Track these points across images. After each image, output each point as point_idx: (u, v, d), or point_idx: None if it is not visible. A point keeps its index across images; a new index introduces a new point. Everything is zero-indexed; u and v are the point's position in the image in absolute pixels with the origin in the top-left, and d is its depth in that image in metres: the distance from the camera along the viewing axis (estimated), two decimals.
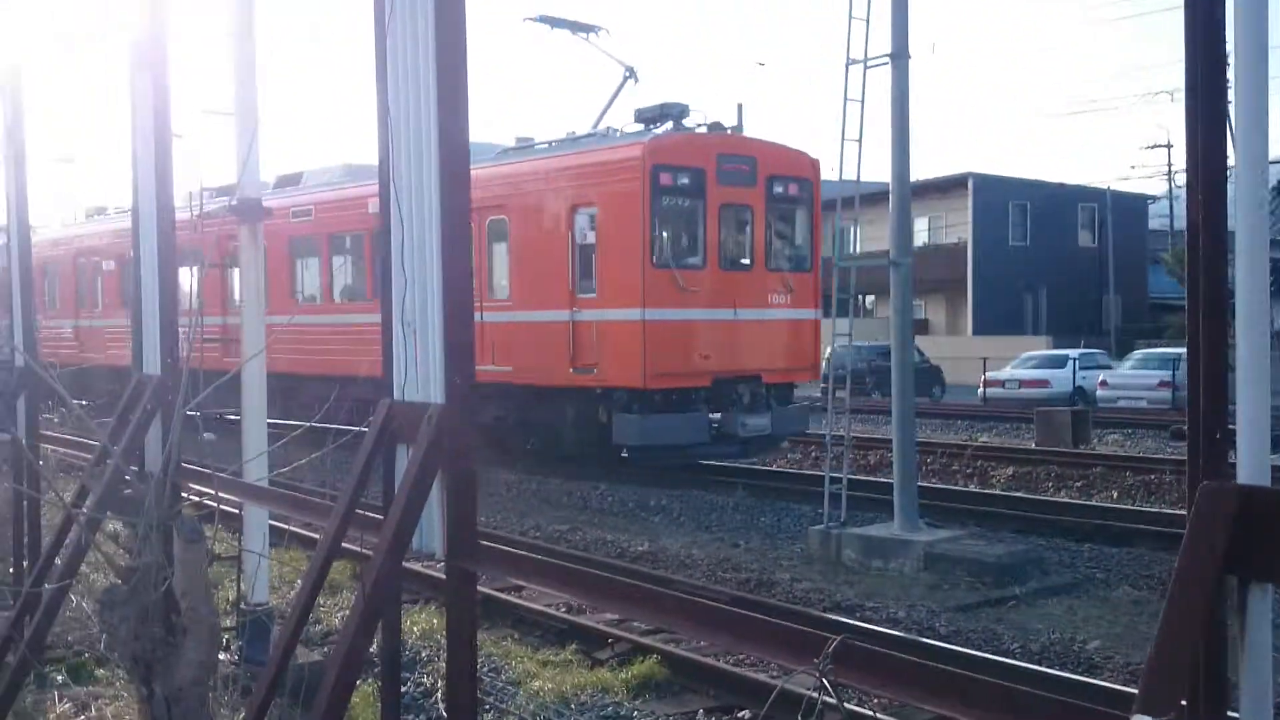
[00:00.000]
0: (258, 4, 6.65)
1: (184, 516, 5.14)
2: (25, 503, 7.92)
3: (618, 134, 16.43)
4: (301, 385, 17.75)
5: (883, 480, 14.76)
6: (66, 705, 6.10)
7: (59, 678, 6.60)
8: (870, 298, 47.66)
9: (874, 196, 17.97)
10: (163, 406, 5.42)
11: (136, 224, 5.73)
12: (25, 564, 7.94)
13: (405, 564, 3.90)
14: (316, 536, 11.45)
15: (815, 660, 2.40)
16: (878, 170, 14.21)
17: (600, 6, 44.37)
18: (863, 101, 11.49)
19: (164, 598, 5.27)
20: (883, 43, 11.33)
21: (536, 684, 7.45)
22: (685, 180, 15.35)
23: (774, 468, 18.42)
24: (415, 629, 8.43)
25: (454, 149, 3.30)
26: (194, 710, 4.97)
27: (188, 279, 13.73)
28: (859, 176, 11.65)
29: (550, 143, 17.64)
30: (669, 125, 15.91)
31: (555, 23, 17.24)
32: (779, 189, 16.37)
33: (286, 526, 11.62)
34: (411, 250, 3.49)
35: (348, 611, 8.74)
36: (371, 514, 3.97)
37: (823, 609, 9.38)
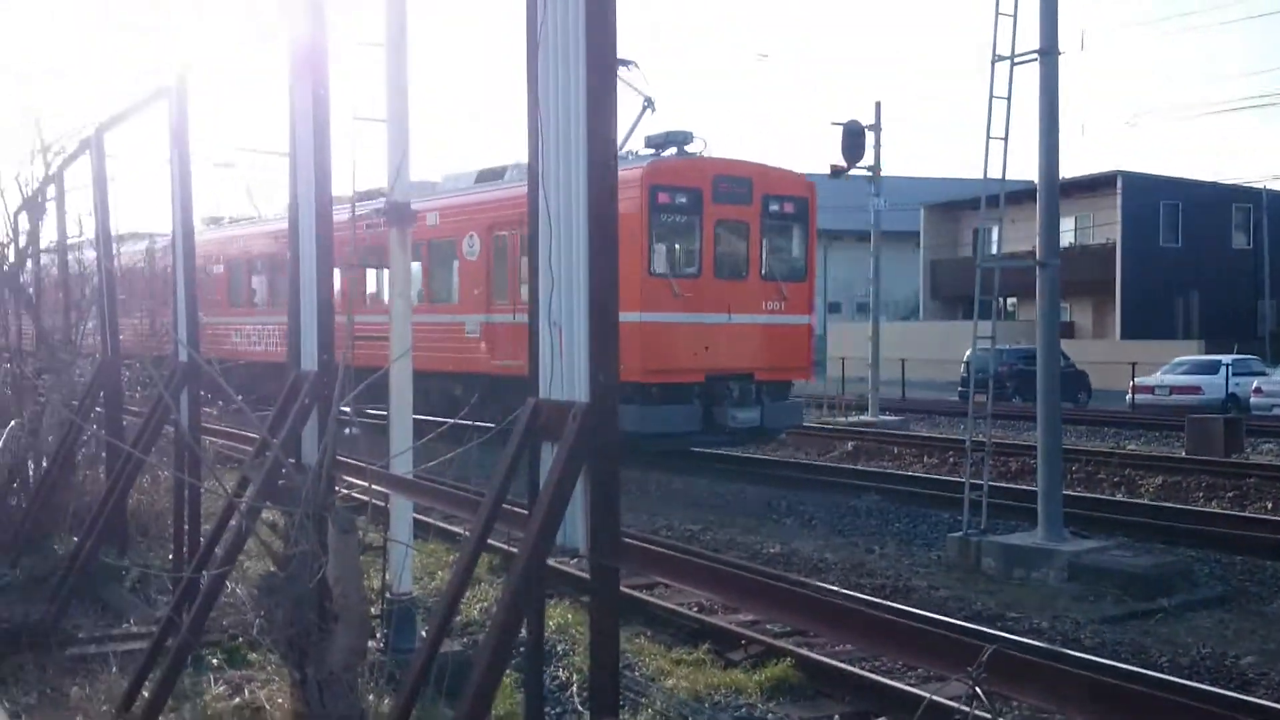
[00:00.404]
0: (409, 15, 6.88)
1: (338, 507, 5.35)
2: (187, 492, 8.31)
3: (631, 157, 17.76)
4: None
5: (1025, 488, 14.39)
6: (222, 687, 6.31)
7: (215, 661, 6.84)
8: (1012, 300, 46.45)
9: (1017, 195, 17.63)
10: (319, 402, 5.64)
11: (295, 227, 5.98)
12: (185, 550, 8.35)
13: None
14: (457, 530, 11.82)
15: (968, 669, 2.36)
16: (1020, 168, 13.89)
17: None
18: (1009, 99, 11.22)
19: (318, 585, 5.49)
20: (1030, 38, 11.07)
21: (670, 682, 7.49)
22: (682, 199, 16.89)
23: (910, 472, 18.13)
24: (550, 623, 8.56)
25: (602, 154, 3.36)
26: (344, 695, 5.17)
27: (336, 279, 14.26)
28: (1004, 175, 11.38)
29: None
30: (673, 150, 17.52)
31: None
32: (775, 207, 17.85)
33: (429, 520, 11.99)
34: (559, 252, 3.57)
35: (486, 604, 9.01)
36: (516, 509, 4.07)
37: (962, 618, 9.20)
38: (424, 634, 7.60)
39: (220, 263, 27.64)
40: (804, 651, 7.94)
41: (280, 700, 5.92)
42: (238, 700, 6.02)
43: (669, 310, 16.57)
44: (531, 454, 3.78)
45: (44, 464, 11.07)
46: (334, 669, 5.13)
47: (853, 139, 25.32)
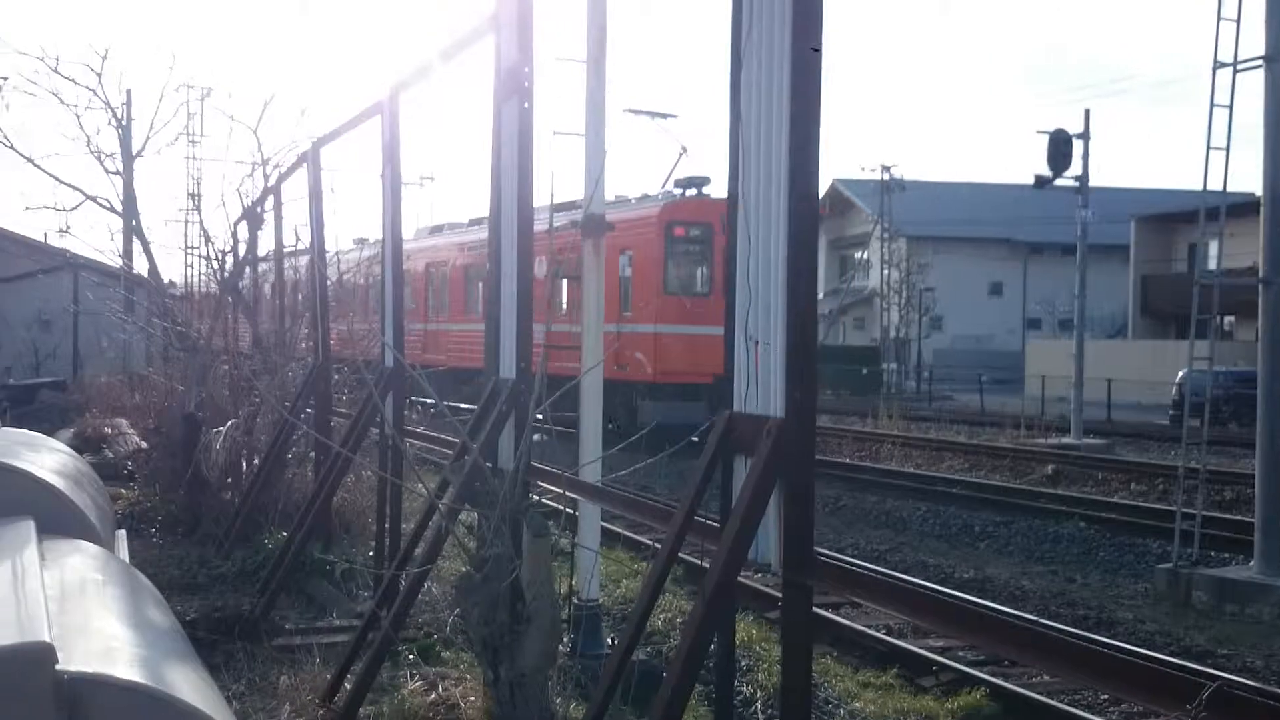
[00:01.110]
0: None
1: (533, 512, 5.46)
2: (390, 491, 8.64)
3: (661, 195, 22.21)
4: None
5: (1240, 519, 13.49)
6: (418, 683, 6.48)
7: (410, 656, 7.06)
8: (1230, 319, 43.69)
9: (1238, 208, 16.61)
10: (516, 408, 5.77)
11: (496, 239, 6.14)
12: (386, 547, 8.68)
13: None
14: (640, 539, 11.91)
15: (1187, 707, 2.22)
16: (1241, 179, 13.12)
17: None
18: (1231, 107, 10.58)
19: (511, 587, 5.62)
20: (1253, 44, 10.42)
21: (857, 705, 7.34)
22: (695, 232, 21.02)
23: (1115, 499, 17.27)
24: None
25: (804, 170, 3.32)
26: (535, 696, 5.27)
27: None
28: (1225, 187, 10.74)
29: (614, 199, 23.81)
30: (694, 190, 21.30)
31: (639, 112, 22.19)
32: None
33: (613, 528, 12.13)
34: (757, 266, 3.55)
35: (669, 614, 9.03)
36: (707, 520, 4.06)
37: (1169, 653, 8.69)
38: (610, 640, 7.72)
39: (459, 269, 29.17)
40: (999, 681, 7.66)
41: (473, 699, 6.07)
42: (433, 696, 6.18)
43: (680, 323, 20.62)
44: (724, 467, 3.77)
45: (256, 461, 11.75)
46: (525, 670, 5.23)
47: (1059, 148, 24.34)
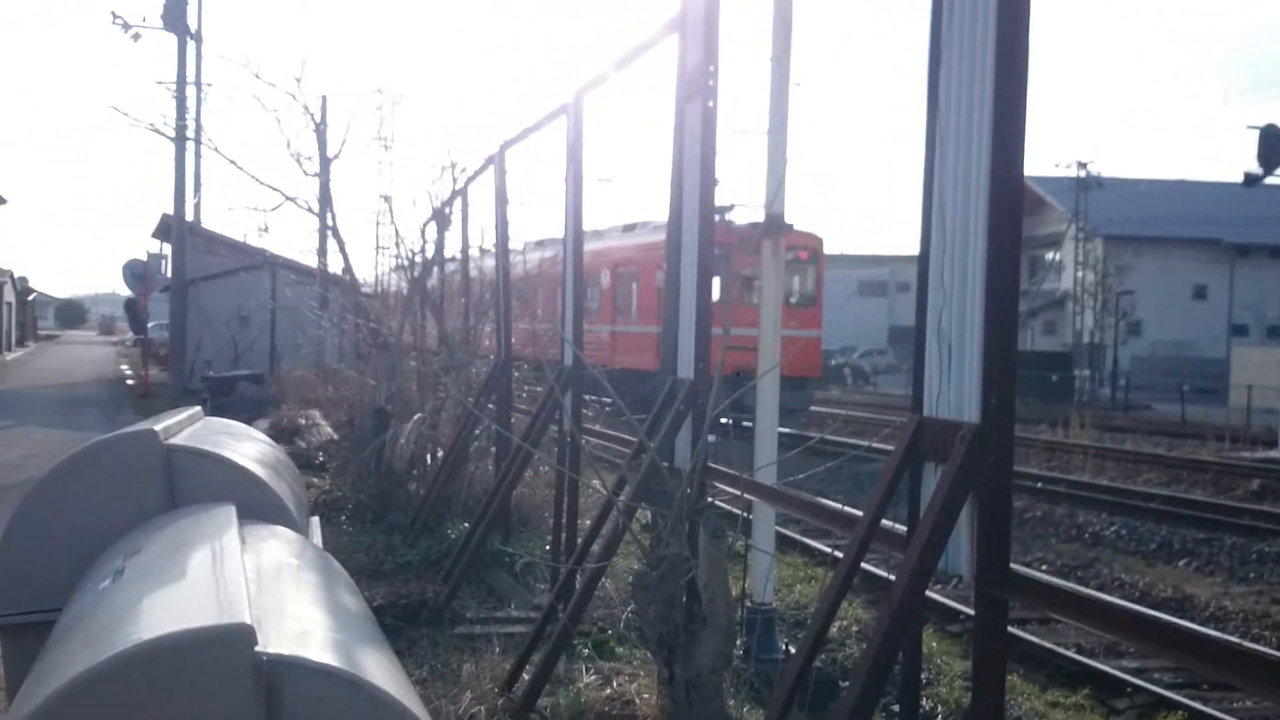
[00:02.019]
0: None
1: (710, 512, 5.41)
2: (567, 486, 8.75)
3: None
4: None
5: None
6: (593, 677, 6.53)
7: (585, 650, 7.13)
8: None
9: None
10: (694, 409, 5.74)
11: (676, 239, 6.12)
12: (563, 541, 8.78)
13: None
14: (816, 545, 11.73)
15: None
16: None
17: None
18: None
19: (687, 587, 5.59)
20: None
21: None
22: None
23: None
24: None
25: (1007, 157, 3.16)
26: (710, 697, 5.22)
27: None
28: None
29: (650, 225, 27.72)
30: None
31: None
32: (790, 256, 23.42)
33: (785, 531, 11.98)
34: (951, 265, 3.40)
35: (844, 621, 8.85)
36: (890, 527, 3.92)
37: None
38: (784, 645, 7.61)
39: (642, 270, 30.81)
40: (1198, 705, 7.21)
41: (647, 695, 6.06)
42: (608, 691, 6.21)
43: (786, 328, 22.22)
44: (913, 473, 3.63)
45: (440, 454, 12.10)
46: (700, 671, 5.18)
47: (1271, 143, 22.87)
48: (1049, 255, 53.24)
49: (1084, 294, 51.26)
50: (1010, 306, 3.23)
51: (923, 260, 3.58)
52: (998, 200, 3.20)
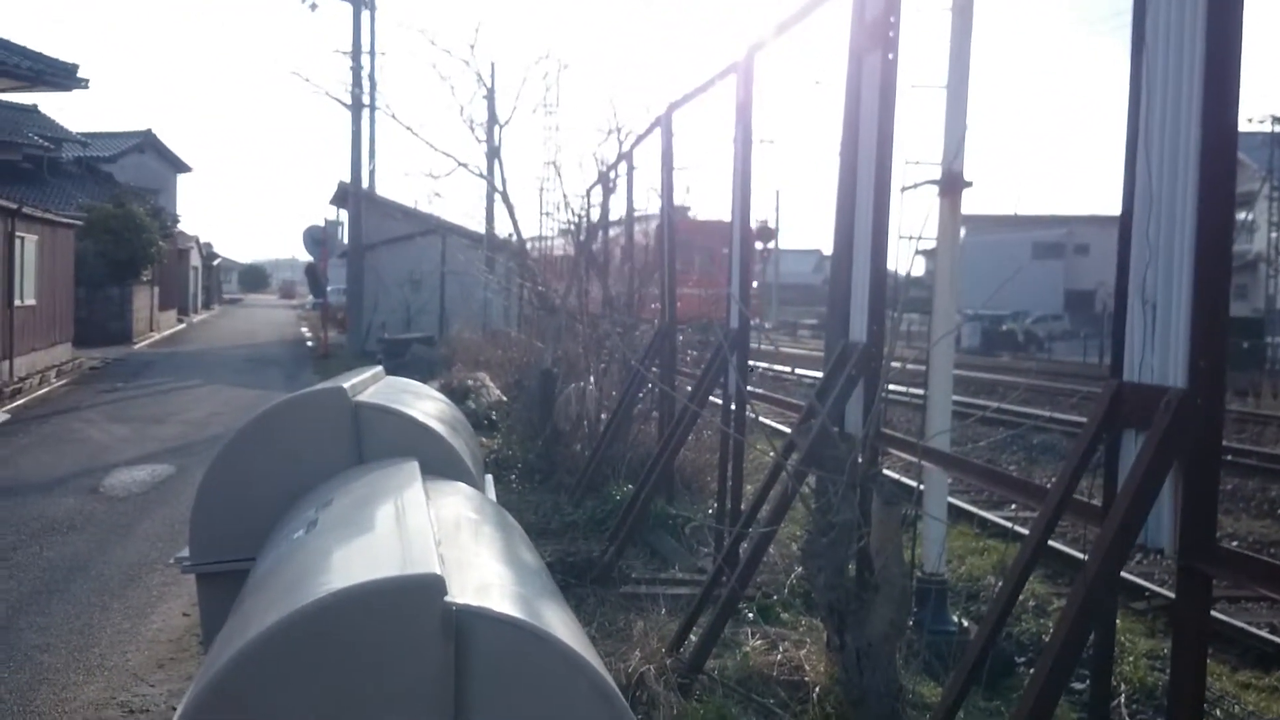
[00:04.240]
0: None
1: (883, 478, 5.30)
2: (731, 450, 8.72)
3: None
4: None
5: None
6: (759, 641, 6.51)
7: (750, 615, 7.11)
8: None
9: None
10: (865, 373, 5.61)
11: (849, 197, 5.98)
12: (728, 504, 8.77)
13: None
14: (988, 516, 11.40)
15: None
16: None
17: None
18: None
19: (857, 554, 5.50)
20: None
21: (1235, 708, 6.67)
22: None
23: None
24: None
25: (1221, 100, 2.94)
26: (882, 666, 5.12)
27: None
28: None
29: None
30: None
31: None
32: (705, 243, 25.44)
33: (956, 503, 11.68)
34: (1158, 221, 3.19)
35: (1022, 597, 8.56)
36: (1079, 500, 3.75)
37: None
38: (957, 618, 7.43)
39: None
40: None
41: (816, 662, 6.00)
42: (776, 656, 6.17)
43: None
44: (1110, 443, 3.44)
45: (605, 416, 12.22)
46: (872, 639, 5.09)
47: None
48: (1241, 215, 50.18)
49: (1277, 256, 48.18)
50: (1223, 264, 3.02)
51: (1125, 217, 3.38)
52: (1210, 150, 2.98)
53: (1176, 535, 3.11)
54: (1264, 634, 8.01)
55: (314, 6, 30.79)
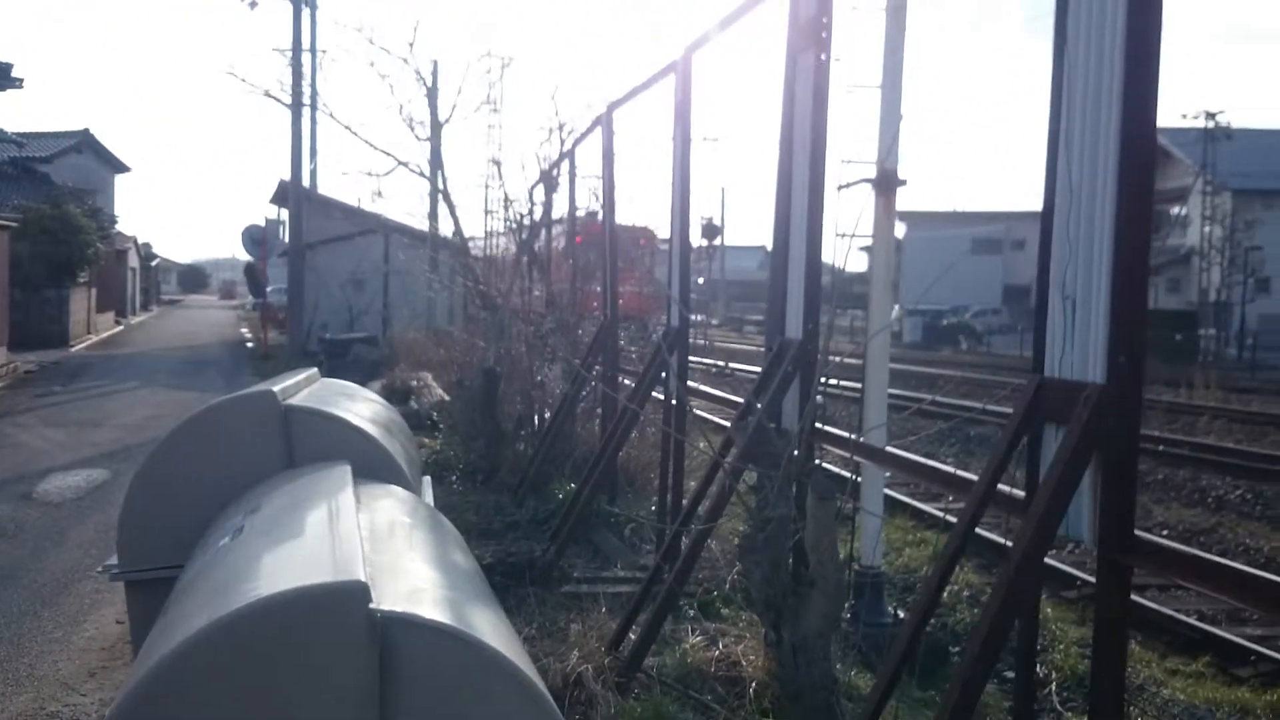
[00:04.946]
0: None
1: (818, 474, 5.34)
2: (673, 448, 8.74)
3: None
4: None
5: None
6: (699, 637, 6.53)
7: (690, 611, 7.12)
8: None
9: None
10: (801, 369, 5.66)
11: (785, 195, 6.02)
12: (669, 502, 8.80)
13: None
14: (925, 508, 11.54)
15: None
16: None
17: None
18: None
19: (794, 549, 5.54)
20: None
21: (1165, 693, 6.83)
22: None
23: None
24: None
25: (1140, 100, 3.01)
26: (818, 660, 5.17)
27: None
28: None
29: None
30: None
31: None
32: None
33: (894, 495, 11.82)
34: (1077, 219, 3.26)
35: (955, 586, 8.69)
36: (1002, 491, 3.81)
37: None
38: (892, 609, 7.51)
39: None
40: None
41: (754, 657, 6.04)
42: (715, 652, 6.20)
43: None
44: (1032, 437, 3.51)
45: (547, 415, 12.20)
46: (808, 633, 5.13)
47: None
48: (1174, 210, 51.24)
49: (1210, 250, 49.26)
50: (1141, 261, 3.08)
51: (1046, 214, 3.44)
52: (1129, 150, 3.04)
53: (1096, 527, 3.17)
54: (1192, 620, 8.19)
55: (254, 4, 30.35)
